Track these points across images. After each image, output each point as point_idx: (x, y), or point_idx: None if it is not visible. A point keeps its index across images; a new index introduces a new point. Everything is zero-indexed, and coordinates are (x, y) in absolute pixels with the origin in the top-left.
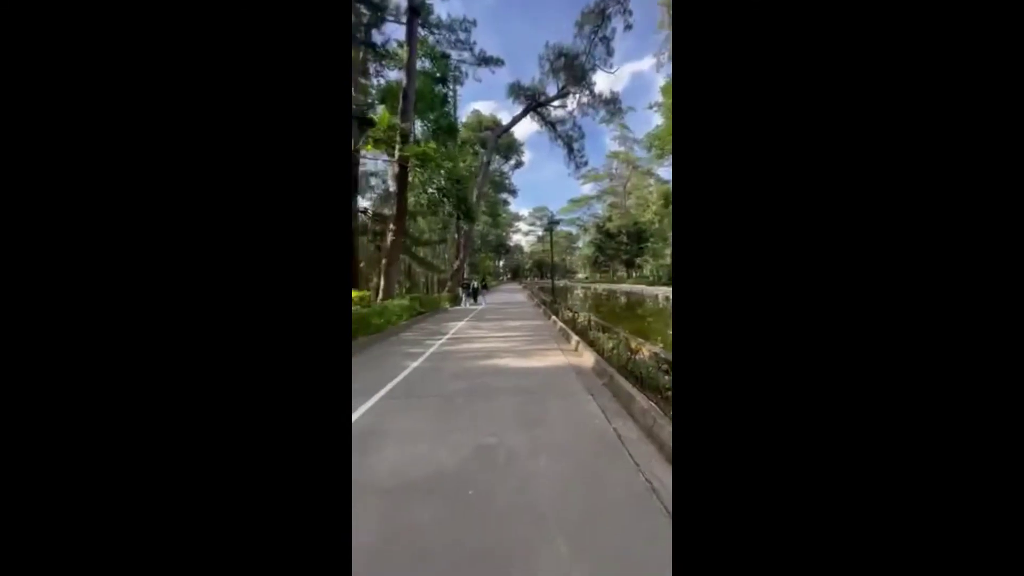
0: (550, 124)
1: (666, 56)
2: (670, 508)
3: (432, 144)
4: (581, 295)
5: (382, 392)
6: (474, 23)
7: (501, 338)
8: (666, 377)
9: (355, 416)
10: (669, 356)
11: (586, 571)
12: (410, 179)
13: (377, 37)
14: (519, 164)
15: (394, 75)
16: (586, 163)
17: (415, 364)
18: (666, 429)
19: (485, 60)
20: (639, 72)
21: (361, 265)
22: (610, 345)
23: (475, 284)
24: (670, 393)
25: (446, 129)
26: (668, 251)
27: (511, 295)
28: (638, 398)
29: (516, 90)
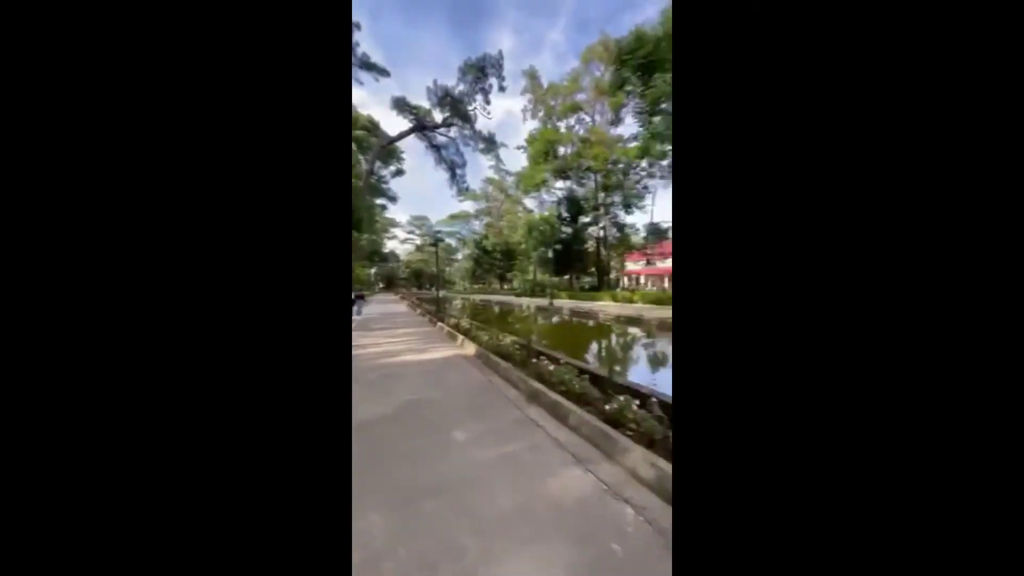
0: (435, 147)
1: (529, 106)
2: (508, 396)
3: None
4: (460, 305)
5: None
6: (358, 26)
7: (396, 342)
8: (514, 349)
9: None
10: (517, 340)
11: (479, 428)
12: None
13: None
14: (400, 172)
15: None
16: (467, 188)
17: None
18: (513, 374)
19: (368, 66)
20: (511, 111)
21: None
22: (486, 338)
23: (353, 294)
24: (517, 357)
25: None
26: (531, 268)
27: (390, 306)
28: (502, 363)
29: (402, 105)
